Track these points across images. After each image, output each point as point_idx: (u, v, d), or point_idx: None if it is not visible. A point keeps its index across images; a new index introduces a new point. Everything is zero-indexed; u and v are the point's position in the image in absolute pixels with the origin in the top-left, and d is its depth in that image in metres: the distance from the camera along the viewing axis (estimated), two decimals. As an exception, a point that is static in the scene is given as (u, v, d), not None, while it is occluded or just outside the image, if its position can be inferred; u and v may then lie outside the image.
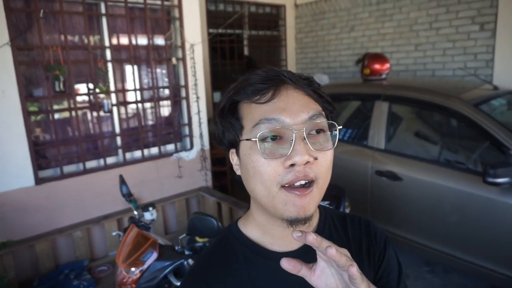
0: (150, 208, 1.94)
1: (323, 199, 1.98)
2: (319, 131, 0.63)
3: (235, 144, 0.66)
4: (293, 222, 0.60)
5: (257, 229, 0.70)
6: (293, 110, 0.61)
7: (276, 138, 0.60)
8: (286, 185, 0.59)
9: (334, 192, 2.33)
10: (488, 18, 3.77)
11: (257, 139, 0.59)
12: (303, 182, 0.59)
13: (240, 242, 0.71)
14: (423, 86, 2.99)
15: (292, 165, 0.58)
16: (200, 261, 0.73)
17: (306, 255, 0.65)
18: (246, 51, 5.46)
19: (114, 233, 2.12)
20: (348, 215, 0.81)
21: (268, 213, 0.65)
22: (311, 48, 5.62)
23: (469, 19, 3.92)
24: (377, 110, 2.96)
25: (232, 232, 0.73)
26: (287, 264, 0.52)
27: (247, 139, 0.62)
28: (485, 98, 2.69)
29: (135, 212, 1.94)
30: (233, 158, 0.69)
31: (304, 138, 0.59)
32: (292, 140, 0.58)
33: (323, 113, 0.65)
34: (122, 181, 2.01)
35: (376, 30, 4.76)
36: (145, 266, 1.56)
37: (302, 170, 0.58)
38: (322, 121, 0.63)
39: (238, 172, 0.68)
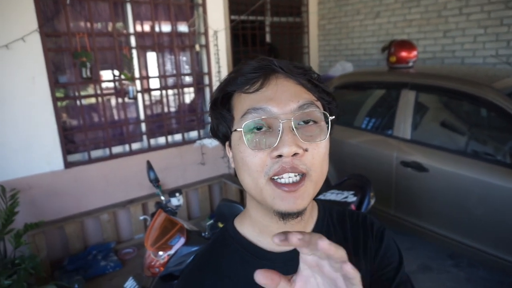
0: (177, 194, 1.98)
1: (348, 189, 1.96)
2: (310, 121, 0.59)
3: (228, 136, 0.65)
4: (284, 216, 0.58)
5: (253, 227, 0.68)
6: (282, 99, 0.58)
7: (263, 128, 0.58)
8: (274, 178, 0.57)
9: (359, 183, 2.30)
10: (524, 2, 3.59)
11: (242, 129, 0.58)
12: (292, 175, 0.56)
13: (236, 242, 0.69)
14: (452, 74, 2.89)
15: (280, 156, 0.56)
16: (196, 261, 0.71)
17: None
18: (268, 38, 5.40)
19: (141, 218, 2.17)
20: (348, 212, 0.78)
21: (262, 208, 0.63)
22: (334, 35, 5.51)
23: (502, 4, 3.75)
24: (404, 99, 2.89)
25: (228, 231, 0.72)
26: (261, 278, 0.42)
27: (235, 130, 0.61)
28: (519, 87, 2.58)
29: (162, 198, 1.99)
30: (228, 151, 0.67)
31: (293, 129, 0.56)
32: (279, 130, 0.56)
33: (317, 103, 0.62)
34: (150, 167, 2.05)
35: (402, 16, 4.61)
36: (173, 250, 1.60)
37: (289, 162, 0.56)
38: (314, 111, 0.59)
39: (232, 165, 0.66)
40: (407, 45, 3.27)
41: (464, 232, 2.52)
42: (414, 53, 3.24)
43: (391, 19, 4.74)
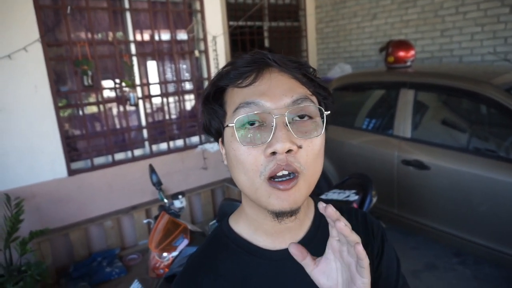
0: (180, 196, 1.99)
1: (349, 188, 1.97)
2: (304, 116, 0.57)
3: (221, 133, 0.63)
4: (278, 215, 0.57)
5: (248, 225, 0.67)
6: (275, 94, 0.56)
7: (256, 123, 0.56)
8: (270, 177, 0.56)
9: (360, 181, 2.31)
10: (519, -1, 3.62)
11: (234, 124, 0.56)
12: (286, 172, 0.55)
13: (232, 241, 0.68)
14: (450, 72, 2.91)
15: (274, 153, 0.54)
16: (192, 261, 0.70)
17: None
18: (266, 43, 5.44)
19: (145, 221, 2.19)
20: (345, 208, 0.77)
21: (257, 206, 0.61)
22: (332, 38, 5.55)
23: (498, 2, 3.77)
24: (403, 98, 2.90)
25: (223, 230, 0.70)
26: (294, 249, 0.52)
27: (227, 125, 0.59)
28: (517, 82, 2.60)
29: (165, 200, 2.00)
30: (221, 147, 0.65)
31: (287, 124, 0.54)
32: (273, 126, 0.54)
33: (312, 97, 0.60)
34: (152, 170, 2.07)
35: (399, 17, 4.65)
36: (177, 251, 1.61)
37: (284, 159, 0.53)
38: (308, 106, 0.57)
39: (225, 162, 0.64)
40: (405, 44, 3.30)
41: (468, 229, 2.52)
42: (412, 52, 3.26)
43: (388, 20, 4.77)
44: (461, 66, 3.62)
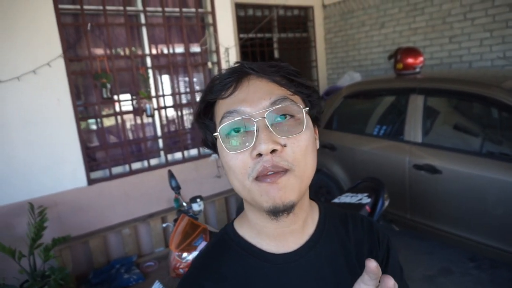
0: (198, 200, 2.07)
1: (362, 191, 2.01)
2: (286, 116, 0.59)
3: (216, 144, 0.65)
4: (273, 212, 0.57)
5: (251, 228, 0.68)
6: (253, 99, 0.58)
7: (241, 130, 0.58)
8: (258, 177, 0.57)
9: (372, 185, 2.35)
10: (527, 4, 3.65)
11: (218, 133, 0.59)
12: (272, 173, 0.56)
13: (236, 244, 0.68)
14: (460, 77, 2.94)
15: (260, 155, 0.55)
16: (196, 263, 0.70)
17: (303, 256, 0.65)
18: (276, 54, 5.56)
19: (164, 225, 2.26)
20: (350, 214, 0.77)
21: (255, 209, 0.62)
22: (341, 48, 5.63)
23: (506, 7, 3.81)
24: (413, 104, 2.94)
25: (228, 233, 0.71)
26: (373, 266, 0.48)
27: (215, 136, 0.61)
28: (527, 85, 2.62)
29: (184, 204, 2.08)
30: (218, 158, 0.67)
31: (268, 126, 0.56)
32: (255, 130, 0.56)
33: (293, 97, 0.61)
34: (171, 175, 2.15)
35: (407, 25, 4.71)
36: (197, 251, 1.67)
37: (269, 160, 0.55)
38: (288, 105, 0.59)
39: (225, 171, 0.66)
40: (413, 51, 3.35)
41: (483, 232, 2.50)
42: (420, 59, 3.31)
43: (396, 29, 4.84)
44: (471, 71, 3.64)
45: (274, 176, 0.56)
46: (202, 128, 0.67)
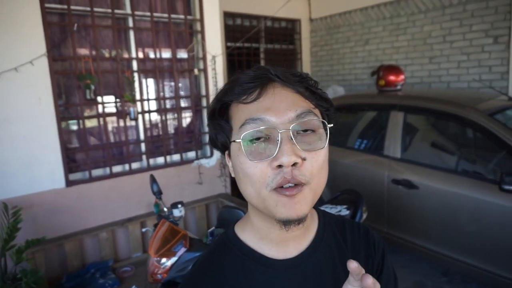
0: (179, 206, 2.06)
1: (341, 203, 2.05)
2: (308, 130, 0.59)
3: (227, 147, 0.65)
4: (286, 223, 0.58)
5: (254, 233, 0.68)
6: (279, 109, 0.58)
7: (262, 138, 0.58)
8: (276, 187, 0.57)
9: (351, 197, 2.40)
10: (502, 31, 3.85)
11: (240, 140, 0.58)
12: (291, 184, 0.57)
13: (237, 248, 0.68)
14: (438, 97, 3.06)
15: (280, 166, 0.56)
16: (197, 267, 0.70)
17: (304, 262, 0.66)
18: (262, 64, 5.63)
19: (143, 229, 2.24)
20: (347, 221, 0.78)
21: (263, 215, 0.63)
22: (326, 61, 5.76)
23: (482, 32, 4.01)
24: (393, 120, 3.03)
25: (229, 238, 0.71)
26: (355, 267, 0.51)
27: (234, 141, 0.61)
28: (500, 108, 2.75)
29: (165, 209, 2.07)
30: (228, 160, 0.67)
31: (291, 138, 0.56)
32: (278, 140, 0.56)
33: (315, 110, 0.62)
34: (153, 180, 2.14)
35: (390, 43, 4.87)
36: (176, 257, 1.67)
37: (289, 172, 0.55)
38: (312, 119, 0.59)
39: (233, 175, 0.66)
40: (395, 69, 3.47)
41: (456, 248, 2.58)
42: (402, 77, 3.42)
43: (379, 46, 5.00)
44: (449, 91, 3.80)
45: (293, 190, 0.57)
46: (215, 128, 0.66)
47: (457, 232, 2.56)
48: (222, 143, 0.66)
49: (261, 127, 0.57)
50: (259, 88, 0.60)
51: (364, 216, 2.33)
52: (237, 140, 0.59)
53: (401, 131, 2.96)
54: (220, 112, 0.64)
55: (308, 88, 0.63)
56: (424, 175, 2.74)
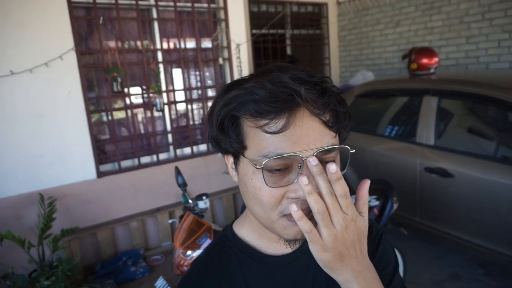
0: (204, 197, 2.07)
1: (370, 194, 1.97)
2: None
3: (234, 155, 0.61)
4: (291, 242, 0.59)
5: (252, 231, 0.68)
6: (307, 143, 0.54)
7: (282, 166, 0.55)
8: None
9: (381, 187, 2.31)
10: (549, 5, 3.53)
11: (262, 167, 0.54)
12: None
13: (235, 246, 0.69)
14: (476, 79, 2.87)
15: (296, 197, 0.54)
16: (195, 266, 0.71)
17: (300, 257, 0.67)
18: (288, 51, 5.51)
19: (170, 221, 2.27)
20: None
21: None
22: (354, 46, 5.55)
23: (526, 8, 3.70)
24: (426, 105, 2.88)
25: (227, 235, 0.72)
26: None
27: (254, 165, 0.55)
28: (546, 90, 2.54)
29: (190, 201, 2.08)
30: (228, 160, 0.64)
31: None
32: (299, 168, 0.54)
33: (336, 138, 0.58)
34: (178, 172, 2.15)
35: (423, 24, 4.61)
36: (201, 249, 1.67)
37: (305, 203, 0.53)
38: (334, 155, 0.57)
39: (235, 179, 0.64)
40: (428, 51, 3.28)
41: (494, 238, 2.46)
42: (435, 59, 3.23)
43: (411, 27, 4.74)
44: (487, 73, 3.56)
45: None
46: (222, 133, 0.59)
47: (496, 222, 2.43)
48: (227, 149, 0.61)
49: (287, 161, 0.54)
50: (285, 118, 0.53)
51: (395, 206, 2.24)
52: (258, 167, 0.55)
53: (434, 117, 2.82)
54: (230, 123, 0.58)
55: (333, 109, 0.57)
56: (460, 163, 2.60)
